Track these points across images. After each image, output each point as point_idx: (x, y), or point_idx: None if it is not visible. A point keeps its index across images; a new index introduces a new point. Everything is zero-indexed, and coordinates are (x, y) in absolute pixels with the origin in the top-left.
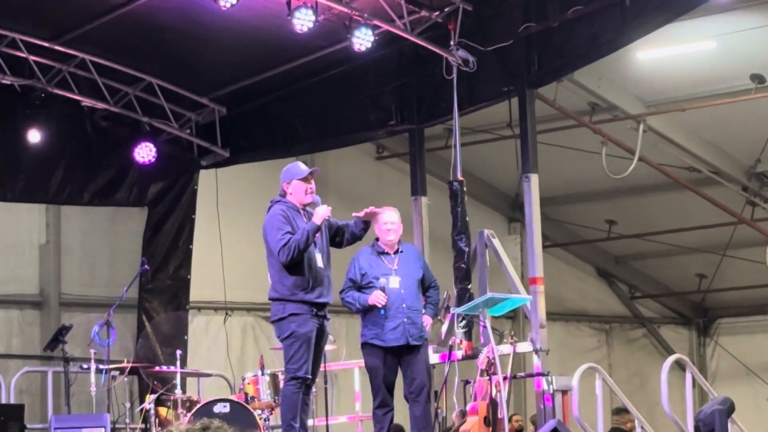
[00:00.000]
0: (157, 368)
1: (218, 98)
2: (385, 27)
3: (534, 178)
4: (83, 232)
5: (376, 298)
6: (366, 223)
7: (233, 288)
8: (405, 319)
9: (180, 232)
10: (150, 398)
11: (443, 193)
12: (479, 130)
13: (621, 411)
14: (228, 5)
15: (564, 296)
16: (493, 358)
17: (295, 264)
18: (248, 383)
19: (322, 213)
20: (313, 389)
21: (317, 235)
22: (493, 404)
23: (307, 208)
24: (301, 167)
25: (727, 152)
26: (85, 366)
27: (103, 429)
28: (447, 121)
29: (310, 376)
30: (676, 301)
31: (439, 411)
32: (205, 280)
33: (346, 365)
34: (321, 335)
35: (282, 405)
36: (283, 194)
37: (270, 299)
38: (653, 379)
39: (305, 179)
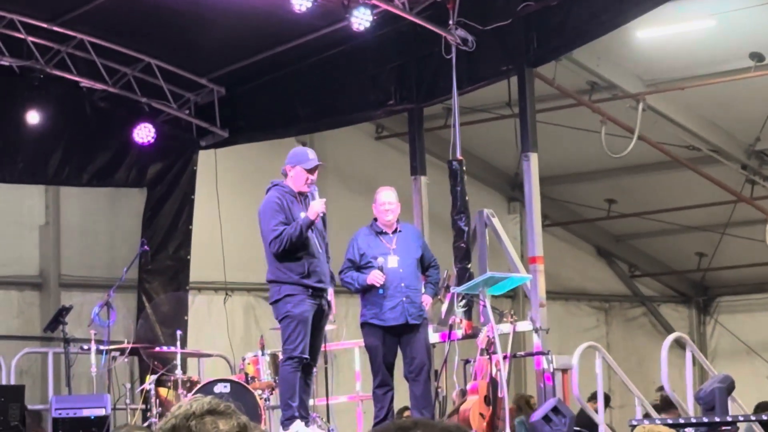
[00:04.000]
0: (157, 349)
1: (217, 78)
2: (384, 6)
3: (533, 158)
4: (83, 213)
5: (375, 277)
6: None
7: (233, 268)
8: (404, 299)
9: (179, 212)
10: (150, 379)
11: (443, 173)
12: (478, 109)
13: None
14: None
15: (563, 275)
16: (493, 337)
17: (294, 249)
18: (248, 363)
19: (316, 208)
20: (314, 369)
21: (317, 222)
22: (494, 383)
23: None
24: (309, 156)
25: (726, 130)
26: (85, 347)
27: (103, 409)
28: (446, 100)
29: (307, 356)
30: (676, 280)
31: (439, 390)
32: (205, 260)
33: (346, 345)
34: (320, 315)
35: (280, 385)
36: (285, 175)
37: (267, 281)
38: (653, 357)
39: (309, 170)
